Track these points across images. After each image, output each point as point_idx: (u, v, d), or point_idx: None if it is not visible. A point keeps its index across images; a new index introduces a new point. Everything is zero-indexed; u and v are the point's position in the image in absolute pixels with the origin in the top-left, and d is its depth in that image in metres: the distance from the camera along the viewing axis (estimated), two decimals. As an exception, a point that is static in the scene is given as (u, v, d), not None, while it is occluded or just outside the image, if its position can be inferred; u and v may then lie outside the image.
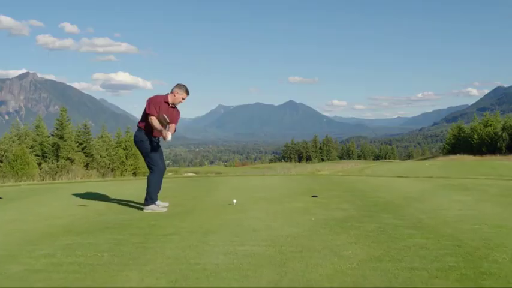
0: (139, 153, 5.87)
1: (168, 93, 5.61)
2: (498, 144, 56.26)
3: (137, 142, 5.59)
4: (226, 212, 5.16)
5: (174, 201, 6.15)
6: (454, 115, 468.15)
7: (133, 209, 5.57)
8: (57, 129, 48.55)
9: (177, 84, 5.64)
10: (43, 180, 12.19)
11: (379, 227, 4.21)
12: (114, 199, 6.49)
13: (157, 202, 5.66)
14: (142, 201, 5.79)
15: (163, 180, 5.86)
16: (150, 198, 5.44)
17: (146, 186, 5.51)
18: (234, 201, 5.73)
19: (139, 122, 5.59)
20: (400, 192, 6.93)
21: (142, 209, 5.50)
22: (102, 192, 7.33)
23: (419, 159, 77.39)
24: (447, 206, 5.52)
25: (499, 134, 57.03)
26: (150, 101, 5.39)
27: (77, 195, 7.06)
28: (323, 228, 4.21)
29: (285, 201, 5.98)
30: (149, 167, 5.62)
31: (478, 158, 45.90)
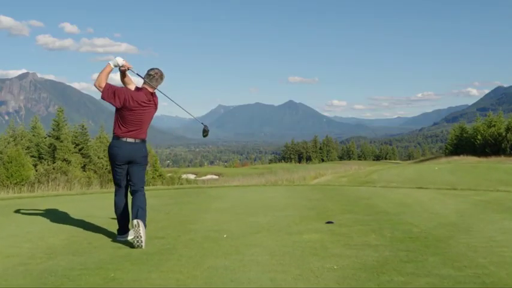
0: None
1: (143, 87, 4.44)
2: (502, 145, 55.02)
3: (147, 154, 4.53)
4: (216, 252, 3.88)
5: (154, 229, 4.88)
6: (454, 115, 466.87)
7: (97, 243, 4.29)
8: (53, 129, 47.32)
9: (147, 74, 4.41)
10: (19, 192, 10.96)
11: (434, 285, 2.95)
12: (79, 224, 5.22)
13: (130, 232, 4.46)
14: (113, 227, 4.57)
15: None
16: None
17: (142, 206, 4.34)
18: (225, 236, 4.48)
19: (144, 133, 4.43)
20: (433, 215, 5.66)
21: (110, 241, 4.25)
22: (70, 213, 6.07)
23: (421, 160, 76.02)
24: (504, 240, 4.25)
25: (503, 134, 55.78)
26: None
27: (36, 219, 5.79)
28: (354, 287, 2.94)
29: (293, 231, 4.70)
30: (143, 183, 4.55)
31: (482, 159, 44.73)
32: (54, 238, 4.54)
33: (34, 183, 17.79)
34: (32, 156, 44.96)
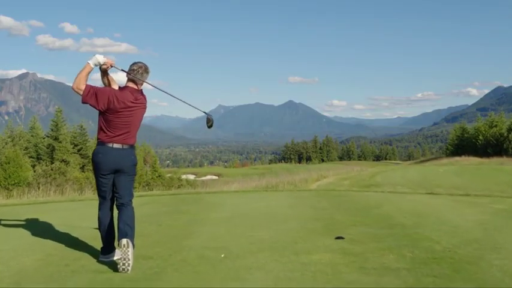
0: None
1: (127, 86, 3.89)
2: (504, 145, 54.60)
3: (136, 163, 3.97)
4: (211, 278, 3.34)
5: (142, 245, 4.33)
6: (454, 115, 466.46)
7: (75, 265, 3.74)
8: (52, 130, 46.74)
9: (130, 69, 3.88)
10: (8, 197, 10.44)
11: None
12: (60, 239, 4.67)
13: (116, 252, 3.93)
14: (97, 243, 4.04)
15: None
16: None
17: (130, 223, 3.77)
18: (222, 255, 3.95)
19: (132, 138, 3.89)
20: (453, 229, 5.11)
21: (90, 263, 3.72)
22: (54, 224, 5.53)
23: (421, 161, 75.48)
24: (542, 261, 3.71)
25: (505, 135, 55.41)
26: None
27: (14, 232, 5.24)
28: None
29: (300, 250, 4.15)
30: (131, 196, 3.95)
31: (484, 160, 44.36)
32: (28, 258, 3.99)
33: (25, 187, 17.34)
34: (30, 157, 44.53)
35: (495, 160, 42.06)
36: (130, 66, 3.88)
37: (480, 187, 13.49)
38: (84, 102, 3.72)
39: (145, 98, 3.96)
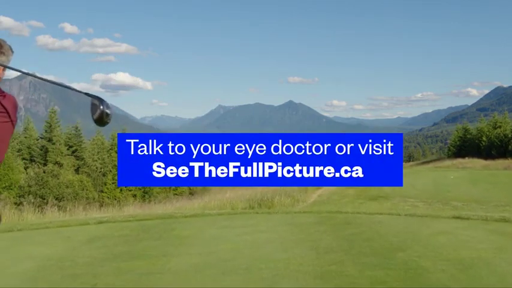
0: None
1: None
2: (509, 146, 53.08)
3: None
4: None
5: None
6: (453, 115, 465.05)
7: None
8: (45, 131, 45.09)
9: None
10: None
11: None
12: None
13: None
14: None
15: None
16: None
17: None
18: None
19: None
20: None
21: None
22: None
23: (423, 162, 73.58)
24: None
25: (509, 136, 53.94)
26: None
27: None
28: None
29: None
30: None
31: (489, 162, 42.94)
32: None
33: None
34: (23, 159, 42.97)
35: (501, 162, 40.83)
36: None
37: (505, 200, 11.81)
38: None
39: (10, 102, 2.24)
